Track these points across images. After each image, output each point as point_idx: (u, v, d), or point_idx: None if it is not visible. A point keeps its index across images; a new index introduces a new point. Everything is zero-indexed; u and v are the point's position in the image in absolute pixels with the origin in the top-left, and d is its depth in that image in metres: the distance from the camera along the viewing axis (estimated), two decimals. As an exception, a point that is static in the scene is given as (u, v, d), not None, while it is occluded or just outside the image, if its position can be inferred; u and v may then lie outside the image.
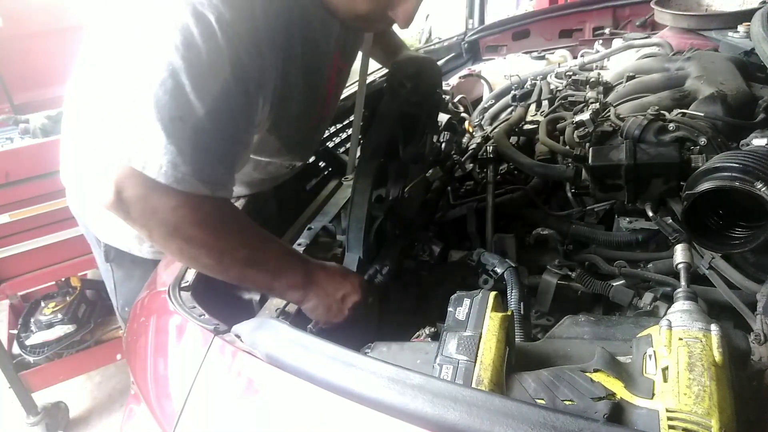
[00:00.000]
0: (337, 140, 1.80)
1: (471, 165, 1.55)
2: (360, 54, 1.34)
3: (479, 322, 0.73)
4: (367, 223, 1.06)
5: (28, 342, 2.16)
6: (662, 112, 1.18)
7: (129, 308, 1.36)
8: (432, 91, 1.34)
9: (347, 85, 1.85)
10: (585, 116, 1.30)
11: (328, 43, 1.05)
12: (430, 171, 1.49)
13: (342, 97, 1.77)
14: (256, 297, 1.03)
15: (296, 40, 0.93)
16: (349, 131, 1.55)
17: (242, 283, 0.97)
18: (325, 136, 1.73)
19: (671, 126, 1.14)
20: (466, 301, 0.77)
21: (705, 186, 0.89)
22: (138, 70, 0.76)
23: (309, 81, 1.02)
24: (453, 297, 0.79)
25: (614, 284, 1.08)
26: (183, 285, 0.97)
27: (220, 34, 0.76)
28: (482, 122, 1.87)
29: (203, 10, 0.75)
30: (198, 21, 0.75)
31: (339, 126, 1.79)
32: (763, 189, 0.83)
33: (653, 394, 0.62)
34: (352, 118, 1.45)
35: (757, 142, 1.04)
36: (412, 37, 5.96)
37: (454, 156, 1.60)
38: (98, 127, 0.86)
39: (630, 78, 1.53)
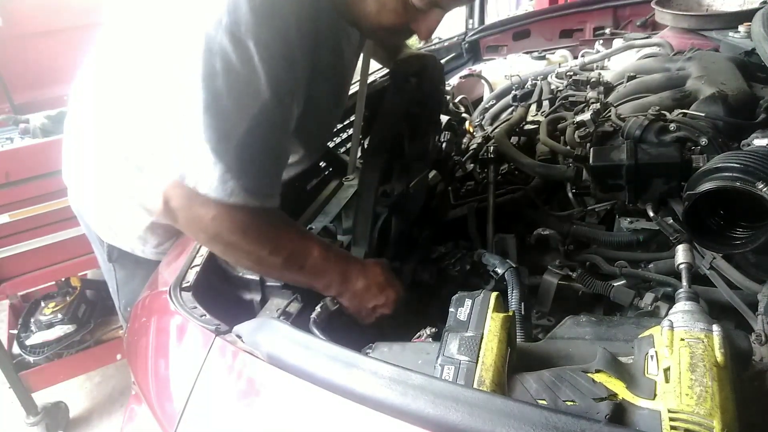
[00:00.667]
0: (337, 140, 1.79)
1: (472, 165, 1.55)
2: (361, 54, 1.34)
3: (480, 323, 0.73)
4: (372, 218, 1.06)
5: (28, 342, 2.16)
6: (663, 112, 1.18)
7: (131, 308, 1.37)
8: (435, 88, 1.35)
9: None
10: (586, 116, 1.30)
11: (351, 51, 1.09)
12: (431, 174, 1.50)
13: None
14: (257, 297, 1.03)
15: (323, 48, 0.97)
16: (350, 131, 1.54)
17: (286, 282, 1.01)
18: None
19: (672, 126, 1.15)
20: (468, 302, 0.77)
21: (706, 186, 0.89)
22: (183, 93, 0.82)
23: (334, 87, 1.05)
24: (454, 297, 0.79)
25: (615, 284, 1.08)
26: (184, 285, 0.97)
27: (257, 58, 0.80)
28: (483, 122, 1.87)
29: (242, 37, 0.79)
30: (236, 47, 0.79)
31: (339, 126, 1.79)
32: (764, 189, 0.83)
33: (655, 395, 0.62)
34: (352, 118, 1.45)
35: (758, 142, 1.04)
36: (412, 36, 5.96)
37: (455, 157, 1.60)
38: (141, 142, 0.96)
39: (631, 78, 1.53)
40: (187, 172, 0.85)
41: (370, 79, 1.83)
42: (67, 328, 2.19)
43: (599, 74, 1.65)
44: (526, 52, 2.36)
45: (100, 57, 1.06)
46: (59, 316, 2.20)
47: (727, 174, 0.89)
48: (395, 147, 1.14)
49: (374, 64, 1.60)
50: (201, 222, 0.90)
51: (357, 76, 1.49)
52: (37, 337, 2.17)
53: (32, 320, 2.23)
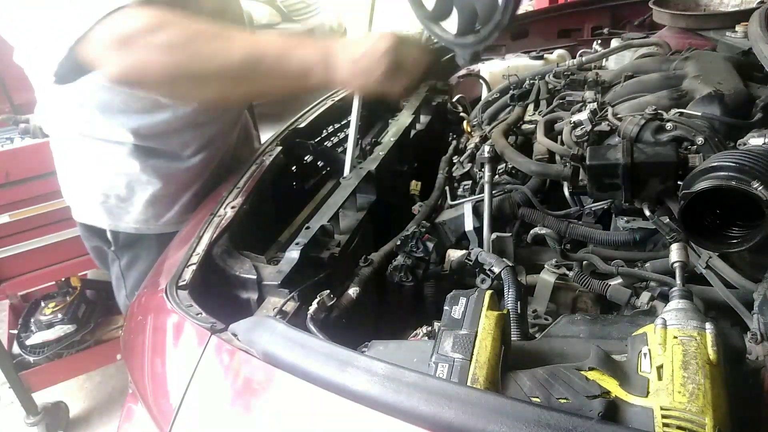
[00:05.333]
0: (335, 140, 1.80)
1: (469, 164, 1.56)
2: None
3: (475, 321, 0.73)
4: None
5: (28, 342, 2.17)
6: (660, 111, 1.18)
7: (138, 293, 1.39)
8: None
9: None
10: (583, 116, 1.30)
11: None
12: (412, 184, 1.52)
13: (339, 96, 1.79)
14: (254, 296, 1.04)
15: None
16: (347, 131, 1.55)
17: (266, 90, 0.99)
18: (323, 136, 1.73)
19: (669, 125, 1.15)
20: (462, 300, 0.77)
21: (702, 185, 0.89)
22: None
23: None
24: (449, 296, 0.80)
25: (612, 283, 1.08)
26: (180, 284, 0.97)
27: None
28: (481, 122, 1.87)
29: None
30: None
31: (337, 126, 1.80)
32: (760, 188, 0.83)
33: (648, 392, 0.63)
34: (349, 117, 1.45)
35: (754, 141, 1.05)
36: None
37: (454, 158, 1.61)
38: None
39: (628, 77, 1.53)
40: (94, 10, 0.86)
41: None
42: (67, 328, 2.20)
43: (597, 74, 1.65)
44: (525, 52, 2.36)
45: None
46: (59, 316, 2.20)
47: (722, 173, 0.89)
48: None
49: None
50: (146, 43, 0.89)
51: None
52: (37, 337, 2.18)
53: (32, 320, 2.23)
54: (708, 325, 0.67)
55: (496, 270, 1.05)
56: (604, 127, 1.25)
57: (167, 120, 1.25)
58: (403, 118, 1.64)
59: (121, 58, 0.92)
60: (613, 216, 1.23)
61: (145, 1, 0.91)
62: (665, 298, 0.98)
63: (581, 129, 1.28)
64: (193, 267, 1.01)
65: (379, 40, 0.98)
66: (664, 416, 0.59)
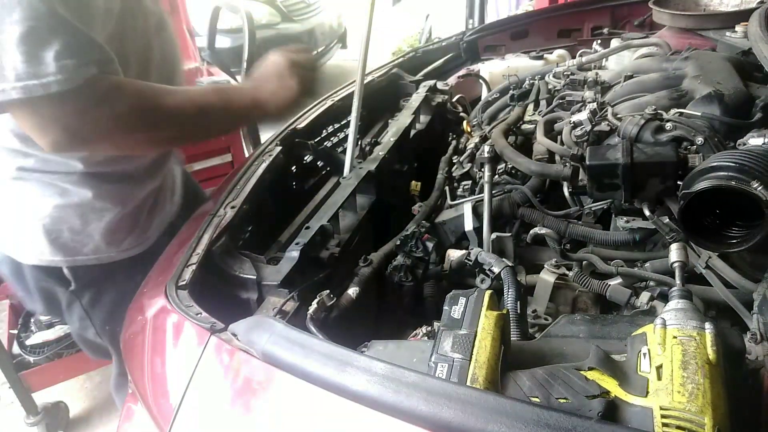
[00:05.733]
0: (335, 140, 1.80)
1: (469, 164, 1.56)
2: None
3: (474, 321, 0.73)
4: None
5: (28, 342, 2.17)
6: (659, 111, 1.19)
7: (109, 326, 1.35)
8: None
9: (346, 84, 1.86)
10: (582, 116, 1.30)
11: None
12: (412, 184, 1.51)
13: (339, 96, 1.79)
14: (254, 296, 1.04)
15: None
16: (347, 131, 1.55)
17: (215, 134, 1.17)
18: (323, 136, 1.73)
19: (668, 125, 1.15)
20: (462, 300, 0.77)
21: (701, 185, 0.89)
22: None
23: None
24: (448, 296, 0.80)
25: (611, 283, 1.08)
26: (180, 284, 0.97)
27: None
28: (481, 122, 1.87)
29: None
30: None
31: (337, 126, 1.80)
32: (760, 188, 0.83)
33: (647, 392, 0.63)
34: (349, 117, 1.45)
35: (754, 141, 1.05)
36: (411, 37, 5.97)
37: (454, 158, 1.61)
38: None
39: (628, 78, 1.53)
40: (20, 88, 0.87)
41: (367, 79, 1.84)
42: (67, 328, 2.19)
43: (596, 74, 1.65)
44: (524, 52, 2.36)
45: None
46: (59, 316, 2.20)
47: (722, 173, 0.89)
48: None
49: (372, 64, 1.60)
50: (89, 119, 0.94)
51: (355, 77, 1.49)
52: (37, 337, 2.18)
53: (32, 320, 2.23)
54: (707, 325, 0.67)
55: (496, 270, 1.05)
56: (603, 127, 1.25)
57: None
58: (403, 118, 1.64)
59: (68, 131, 0.96)
60: (613, 216, 1.23)
61: (97, 76, 0.94)
62: (665, 298, 0.98)
63: (581, 129, 1.28)
64: (193, 267, 1.01)
65: (279, 65, 1.18)
66: (663, 416, 0.59)
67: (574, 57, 2.07)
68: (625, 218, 1.19)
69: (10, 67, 0.87)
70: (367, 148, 1.53)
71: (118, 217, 1.24)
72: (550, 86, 1.76)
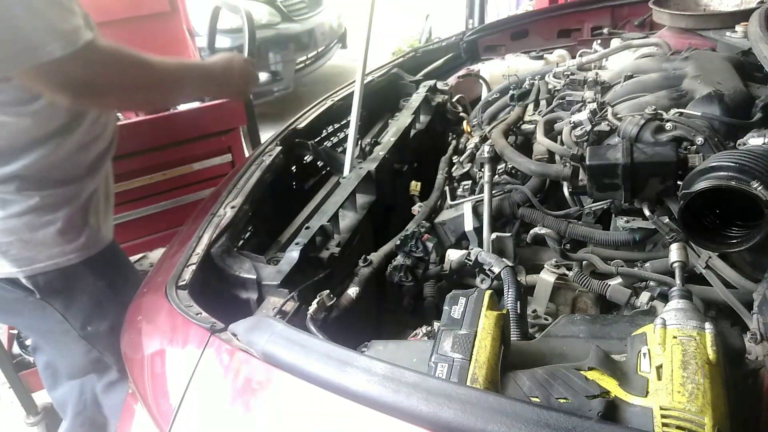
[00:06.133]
0: (335, 140, 1.80)
1: (469, 164, 1.56)
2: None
3: (474, 321, 0.73)
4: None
5: (28, 342, 2.16)
6: (659, 111, 1.18)
7: (91, 327, 1.34)
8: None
9: (346, 84, 1.86)
10: (582, 116, 1.30)
11: None
12: (411, 184, 1.52)
13: (339, 96, 1.79)
14: (254, 296, 1.04)
15: None
16: (347, 131, 1.55)
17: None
18: (323, 136, 1.73)
19: (668, 125, 1.15)
20: (462, 300, 0.77)
21: (701, 185, 0.89)
22: None
23: None
24: (448, 296, 0.80)
25: (611, 283, 1.08)
26: (180, 284, 0.97)
27: None
28: (481, 122, 1.87)
29: None
30: None
31: (337, 126, 1.80)
32: (760, 188, 0.83)
33: (647, 392, 0.63)
34: (349, 118, 1.46)
35: (754, 141, 1.05)
36: (412, 37, 5.97)
37: (454, 158, 1.61)
38: None
39: (628, 78, 1.53)
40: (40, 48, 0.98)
41: (367, 79, 1.84)
42: (67, 328, 2.19)
43: (596, 74, 1.65)
44: (524, 52, 2.36)
45: None
46: (58, 315, 2.20)
47: (722, 173, 0.89)
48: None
49: (372, 64, 1.61)
50: (98, 73, 1.09)
51: (355, 77, 1.49)
52: (36, 337, 2.17)
53: (32, 320, 2.23)
54: (707, 325, 0.67)
55: (496, 270, 1.05)
56: (603, 127, 1.25)
57: (49, 153, 1.17)
58: (403, 118, 1.65)
59: (85, 85, 1.09)
60: (613, 216, 1.23)
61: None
62: (665, 298, 0.98)
63: (581, 129, 1.28)
64: (193, 267, 1.01)
65: (233, 60, 1.41)
66: (663, 416, 0.59)
67: (574, 57, 2.07)
68: (625, 218, 1.18)
69: (43, 29, 0.99)
70: (367, 148, 1.53)
71: (66, 219, 1.22)
72: (550, 86, 1.76)
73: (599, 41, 2.18)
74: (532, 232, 1.27)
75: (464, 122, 1.76)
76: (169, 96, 1.38)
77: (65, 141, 1.20)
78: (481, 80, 2.16)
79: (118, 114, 2.26)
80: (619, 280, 1.11)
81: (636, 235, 1.18)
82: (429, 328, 0.96)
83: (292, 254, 1.04)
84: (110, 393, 1.50)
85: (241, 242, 1.25)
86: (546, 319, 1.10)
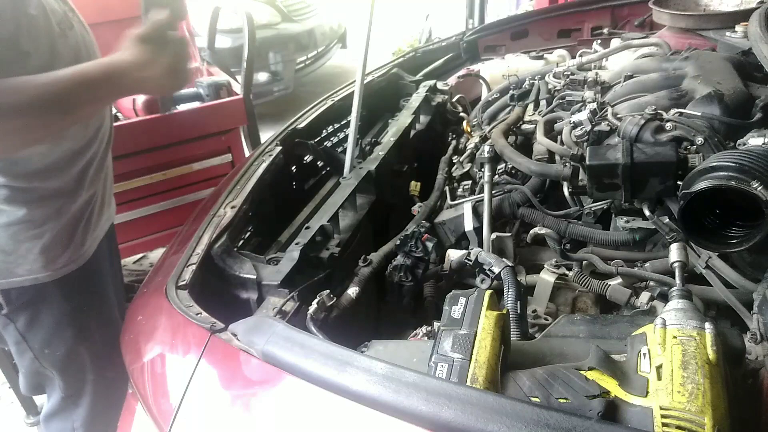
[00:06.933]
0: (335, 140, 1.80)
1: (469, 164, 1.56)
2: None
3: (474, 321, 0.73)
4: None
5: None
6: (659, 111, 1.19)
7: (49, 349, 1.28)
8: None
9: (346, 84, 1.86)
10: (582, 116, 1.30)
11: None
12: (411, 185, 1.52)
13: (339, 96, 1.79)
14: (254, 296, 1.04)
15: None
16: (347, 131, 1.55)
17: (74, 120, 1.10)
18: (323, 136, 1.73)
19: (668, 125, 1.15)
20: (462, 300, 0.77)
21: (701, 185, 0.89)
22: None
23: None
24: (448, 296, 0.80)
25: (611, 283, 1.08)
26: (180, 284, 0.97)
27: None
28: (481, 122, 1.87)
29: None
30: None
31: (337, 126, 1.80)
32: (760, 188, 0.83)
33: (647, 392, 0.63)
34: (349, 117, 1.46)
35: (754, 141, 1.05)
36: (412, 36, 5.97)
37: (454, 158, 1.61)
38: None
39: (628, 78, 1.53)
40: None
41: (367, 79, 1.84)
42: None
43: (596, 74, 1.65)
44: (524, 52, 2.36)
45: None
46: (58, 315, 2.19)
47: (722, 173, 0.89)
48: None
49: (372, 64, 1.61)
50: None
51: (355, 77, 1.49)
52: (36, 337, 2.17)
53: (32, 320, 2.22)
54: (707, 325, 0.67)
55: (496, 270, 1.05)
56: (603, 127, 1.25)
57: (39, 159, 1.13)
58: (403, 118, 1.65)
59: None
60: (613, 216, 1.23)
61: None
62: (665, 298, 0.98)
63: (581, 129, 1.28)
64: (193, 267, 1.01)
65: (143, 52, 1.07)
66: (663, 416, 0.59)
67: (574, 57, 2.07)
68: (625, 218, 1.19)
69: None
70: (367, 148, 1.54)
71: (53, 233, 1.18)
72: (550, 86, 1.76)
73: (599, 41, 2.18)
74: (532, 232, 1.27)
75: (464, 122, 1.76)
76: (66, 113, 1.03)
77: (55, 148, 1.15)
78: (481, 80, 2.16)
79: (118, 114, 2.27)
80: (619, 280, 1.11)
81: (636, 235, 1.18)
82: (429, 328, 0.96)
83: (293, 254, 1.04)
84: (51, 422, 1.45)
85: (241, 242, 1.25)
86: (546, 319, 1.10)
